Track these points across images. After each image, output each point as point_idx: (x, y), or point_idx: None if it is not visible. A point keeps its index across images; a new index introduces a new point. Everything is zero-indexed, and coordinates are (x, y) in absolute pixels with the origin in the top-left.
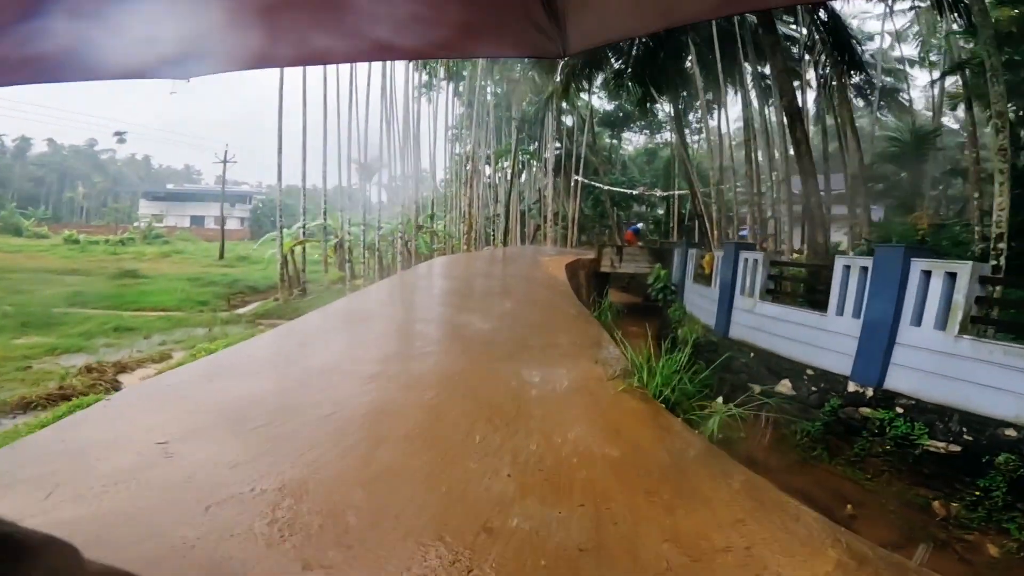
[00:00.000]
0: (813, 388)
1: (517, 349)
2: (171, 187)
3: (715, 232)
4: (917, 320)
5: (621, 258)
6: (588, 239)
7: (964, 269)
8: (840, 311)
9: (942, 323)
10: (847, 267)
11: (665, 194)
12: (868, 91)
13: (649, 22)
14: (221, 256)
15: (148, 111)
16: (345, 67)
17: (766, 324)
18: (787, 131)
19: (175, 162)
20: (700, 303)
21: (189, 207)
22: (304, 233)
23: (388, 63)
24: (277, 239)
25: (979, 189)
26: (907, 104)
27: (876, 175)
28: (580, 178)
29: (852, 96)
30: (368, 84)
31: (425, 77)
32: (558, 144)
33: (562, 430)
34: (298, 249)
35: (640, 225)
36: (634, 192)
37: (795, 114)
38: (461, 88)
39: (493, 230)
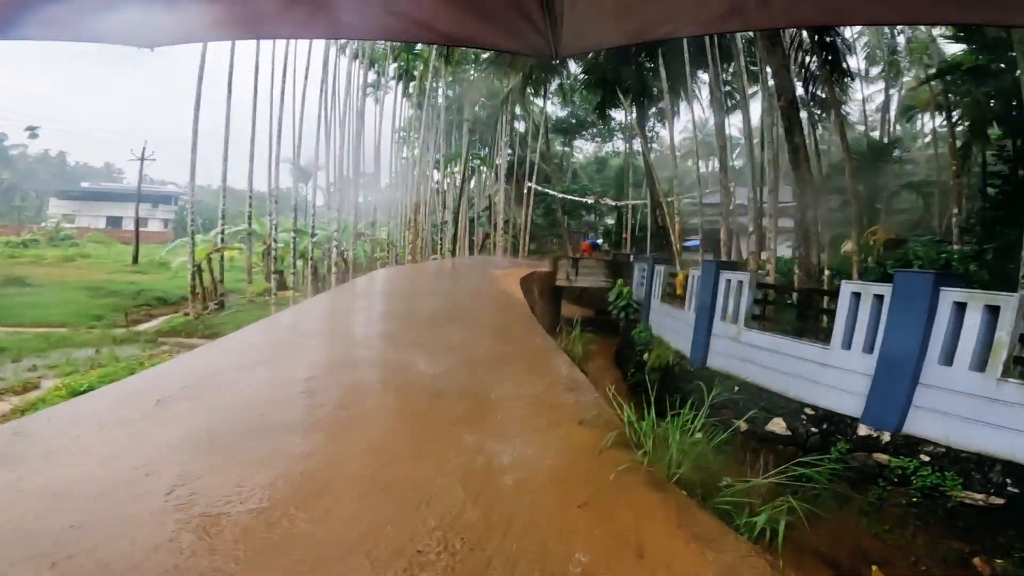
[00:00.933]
0: (814, 429)
1: (475, 404)
2: (86, 185)
3: (680, 245)
4: (947, 359)
5: (577, 271)
6: (537, 248)
7: (1010, 303)
8: (847, 344)
9: (980, 363)
10: (856, 294)
11: (620, 203)
12: (812, 103)
13: (644, 31)
14: (135, 261)
15: (66, 105)
16: (279, 58)
17: (753, 354)
18: (783, 134)
19: (94, 160)
20: (670, 325)
21: (105, 207)
22: (223, 239)
23: (331, 55)
24: (188, 245)
25: (959, 204)
26: (846, 117)
27: (831, 188)
28: (533, 184)
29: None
30: (306, 78)
31: (373, 76)
32: (510, 150)
33: (559, 553)
34: (216, 257)
35: (600, 240)
36: (589, 200)
37: (794, 116)
38: (411, 89)
39: (440, 238)
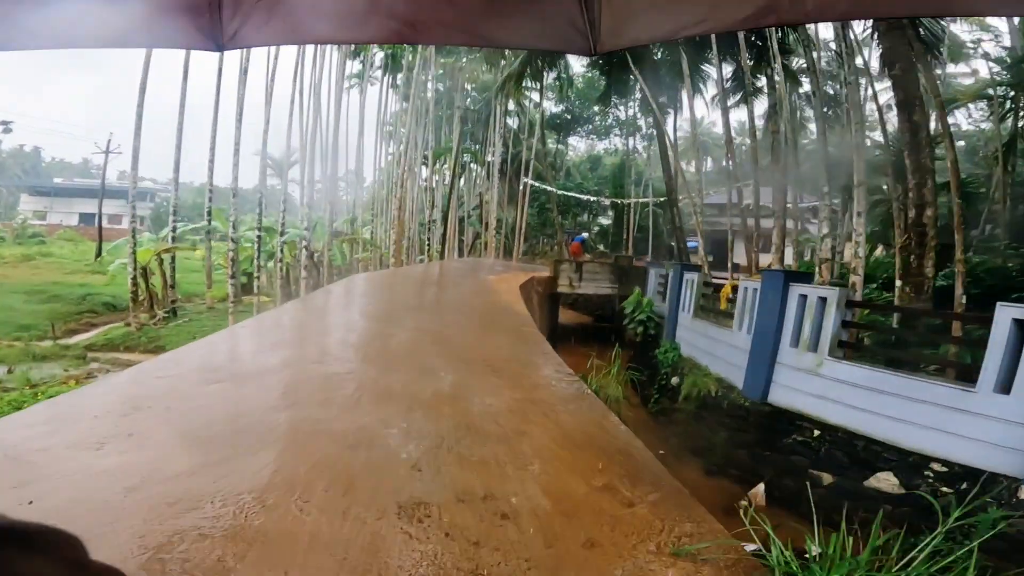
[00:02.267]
0: (946, 489)
1: (481, 528)
2: (59, 181)
3: (702, 250)
4: None
5: (580, 276)
6: (528, 248)
7: None
8: (1003, 387)
9: None
10: (1020, 322)
11: (625, 201)
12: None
13: (684, 27)
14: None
15: (42, 101)
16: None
17: (842, 392)
18: (896, 112)
19: (72, 156)
20: (708, 347)
21: (77, 203)
22: (174, 237)
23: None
24: (129, 244)
25: None
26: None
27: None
28: (530, 180)
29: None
30: (276, 59)
31: (358, 66)
32: (503, 147)
33: None
34: (168, 257)
35: (585, 235)
36: (591, 199)
37: (912, 86)
38: (398, 80)
39: (428, 238)
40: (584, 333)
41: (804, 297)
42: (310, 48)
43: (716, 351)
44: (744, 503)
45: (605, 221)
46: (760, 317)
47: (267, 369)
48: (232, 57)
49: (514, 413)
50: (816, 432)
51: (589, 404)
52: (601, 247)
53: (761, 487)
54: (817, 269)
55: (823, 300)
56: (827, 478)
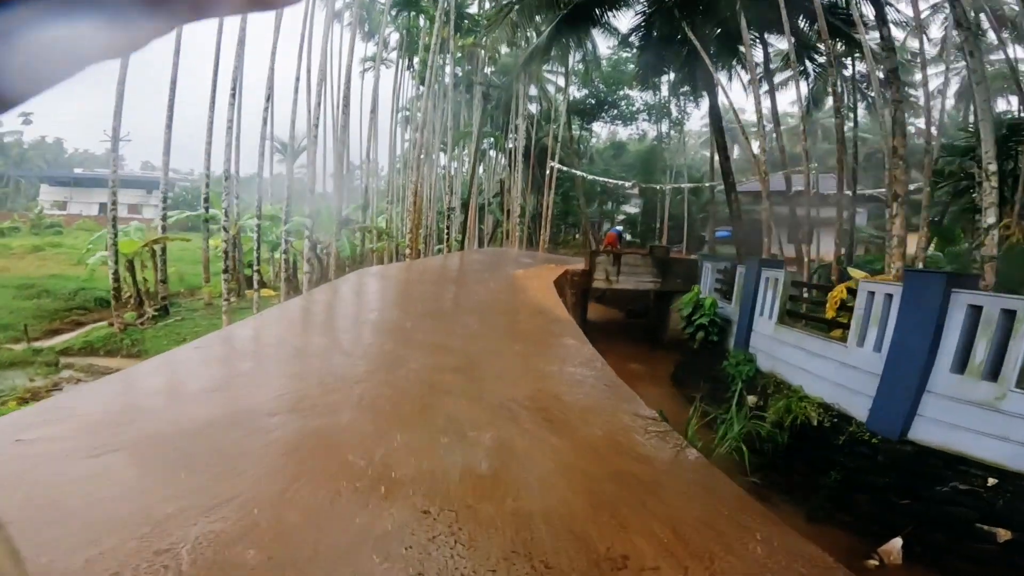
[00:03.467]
0: None
1: None
2: (79, 171)
3: (770, 243)
4: None
5: (619, 270)
6: (550, 238)
7: None
8: None
9: None
10: None
11: (661, 187)
12: (866, 85)
13: None
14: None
15: (64, 92)
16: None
17: None
18: None
19: (95, 147)
20: (804, 363)
21: (97, 193)
22: (164, 227)
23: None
24: (109, 236)
25: None
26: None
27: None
28: (557, 164)
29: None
30: (277, 30)
31: (372, 48)
32: (525, 132)
33: None
34: (158, 249)
35: (619, 228)
36: (626, 184)
37: None
38: (415, 64)
39: (447, 227)
40: (615, 330)
41: (976, 309)
42: (319, 25)
43: (816, 369)
44: (874, 561)
45: (631, 209)
46: (901, 332)
47: (200, 425)
48: (230, 31)
49: (600, 509)
50: (991, 480)
51: (710, 482)
52: (629, 236)
53: (898, 542)
54: (982, 271)
55: (1009, 314)
56: (1003, 534)
